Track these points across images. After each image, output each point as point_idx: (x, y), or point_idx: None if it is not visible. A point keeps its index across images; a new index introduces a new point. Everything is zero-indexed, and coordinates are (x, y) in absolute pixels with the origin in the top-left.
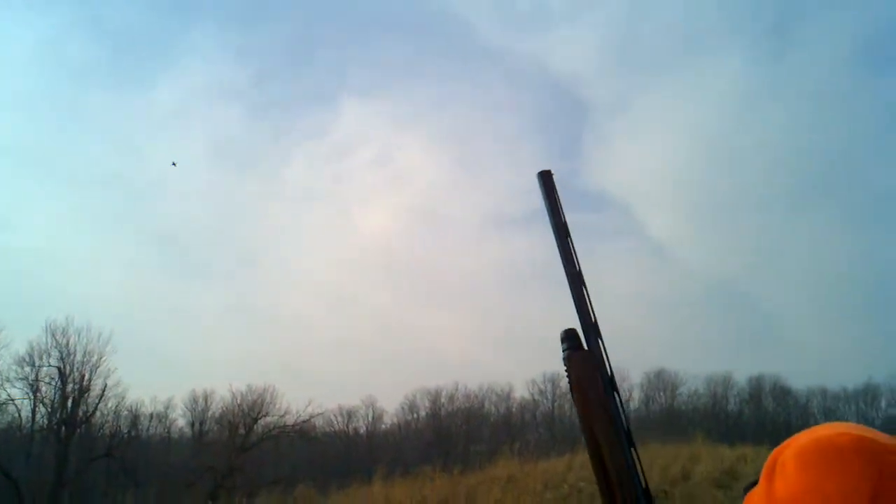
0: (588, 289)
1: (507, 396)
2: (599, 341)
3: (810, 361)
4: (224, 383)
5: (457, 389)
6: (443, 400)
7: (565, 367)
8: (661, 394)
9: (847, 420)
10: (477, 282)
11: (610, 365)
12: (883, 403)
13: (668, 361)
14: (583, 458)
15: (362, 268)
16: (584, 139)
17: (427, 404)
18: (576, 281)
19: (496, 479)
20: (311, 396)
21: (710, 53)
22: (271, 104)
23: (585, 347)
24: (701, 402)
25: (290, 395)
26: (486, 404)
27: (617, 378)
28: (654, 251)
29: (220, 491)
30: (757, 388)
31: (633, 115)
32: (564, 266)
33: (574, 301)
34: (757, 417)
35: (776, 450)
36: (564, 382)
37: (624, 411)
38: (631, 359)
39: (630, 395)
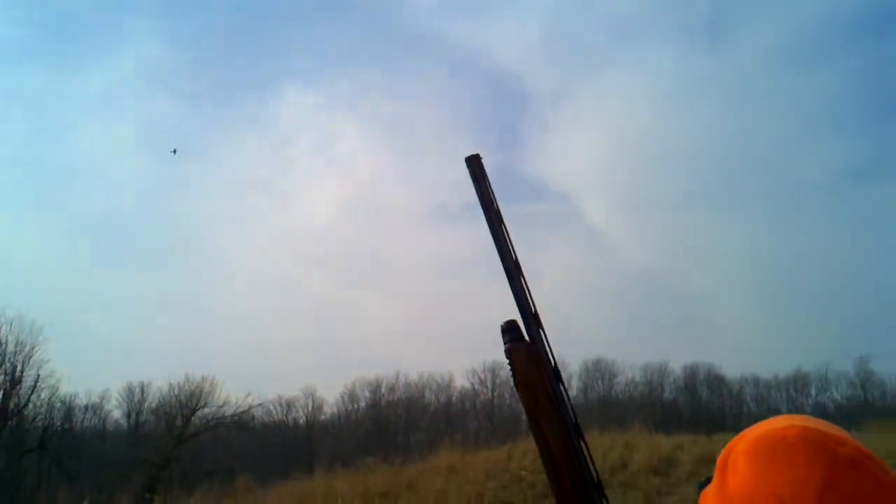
0: (526, 278)
1: (448, 386)
2: (541, 332)
3: (743, 350)
4: (161, 374)
5: (397, 379)
6: (383, 390)
7: (508, 360)
8: (599, 382)
9: (780, 408)
10: (418, 271)
11: (553, 356)
12: (813, 390)
13: (606, 350)
14: (524, 446)
15: (302, 256)
16: (525, 129)
17: (367, 394)
18: (513, 270)
19: (437, 469)
20: (250, 386)
21: (644, 48)
22: (208, 91)
23: (527, 339)
24: (638, 390)
25: (229, 384)
26: (427, 394)
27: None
28: (593, 241)
29: (157, 483)
30: (692, 377)
31: (573, 107)
32: (500, 255)
33: (513, 291)
34: (692, 405)
35: (728, 445)
36: (504, 372)
37: (570, 403)
38: (569, 348)
39: (568, 383)
